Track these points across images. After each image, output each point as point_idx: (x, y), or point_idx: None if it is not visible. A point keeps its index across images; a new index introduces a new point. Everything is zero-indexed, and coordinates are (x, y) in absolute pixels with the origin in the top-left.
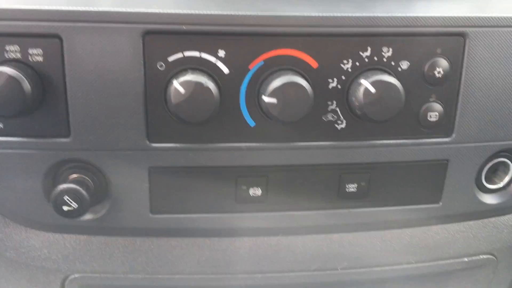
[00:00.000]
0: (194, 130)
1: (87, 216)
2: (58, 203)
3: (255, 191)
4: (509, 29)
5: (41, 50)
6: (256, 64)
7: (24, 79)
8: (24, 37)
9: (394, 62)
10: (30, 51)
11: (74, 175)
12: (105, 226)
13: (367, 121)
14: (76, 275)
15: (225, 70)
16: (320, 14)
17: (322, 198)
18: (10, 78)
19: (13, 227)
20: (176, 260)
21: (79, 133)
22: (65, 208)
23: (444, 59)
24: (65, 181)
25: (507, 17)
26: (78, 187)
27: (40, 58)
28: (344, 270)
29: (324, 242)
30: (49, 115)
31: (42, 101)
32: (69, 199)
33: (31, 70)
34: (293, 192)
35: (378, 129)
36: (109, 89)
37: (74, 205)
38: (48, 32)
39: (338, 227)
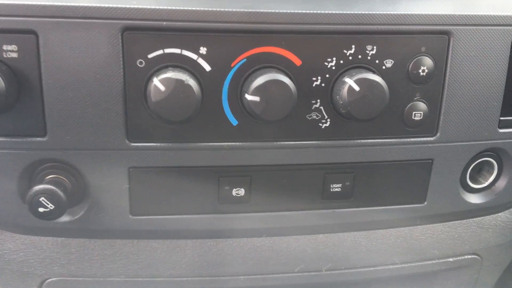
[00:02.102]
0: (175, 129)
1: (65, 218)
2: (33, 205)
3: (238, 192)
4: (493, 27)
5: (16, 46)
6: (238, 62)
7: None
8: None
9: (378, 60)
10: (5, 47)
11: (51, 176)
12: (84, 228)
13: (351, 120)
14: (54, 279)
15: (207, 67)
16: (304, 11)
17: (306, 198)
18: None
19: None
20: (157, 263)
21: (56, 132)
22: (41, 209)
23: (429, 57)
24: (42, 181)
25: (491, 16)
26: (54, 188)
27: (15, 55)
28: (328, 271)
29: (309, 243)
30: (24, 113)
31: (17, 99)
32: (45, 200)
33: (6, 67)
34: (277, 192)
35: (363, 128)
36: (87, 86)
37: (51, 206)
38: (23, 28)
39: (323, 228)
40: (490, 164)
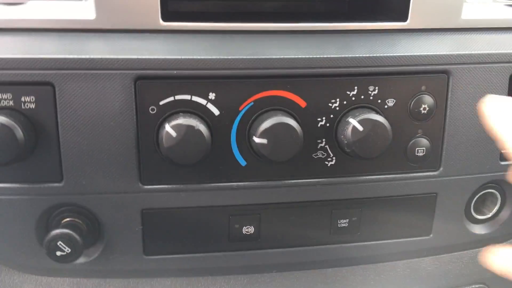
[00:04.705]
0: (186, 171)
1: (80, 260)
2: (51, 249)
3: (248, 229)
4: (491, 65)
5: (33, 98)
6: (246, 106)
7: (17, 126)
8: (16, 85)
9: (380, 100)
10: (23, 98)
11: (67, 219)
12: (99, 269)
13: (356, 158)
14: None
15: (216, 112)
16: (307, 56)
17: (315, 234)
18: (3, 126)
19: (5, 271)
20: None
21: (72, 177)
22: (59, 253)
23: (429, 95)
24: (58, 225)
25: (488, 54)
26: (71, 232)
27: (32, 105)
28: None
29: (318, 278)
30: (41, 160)
31: (35, 147)
32: (62, 244)
33: (24, 117)
34: (286, 229)
35: (367, 165)
36: (102, 134)
37: (67, 249)
38: (41, 80)
39: (332, 262)
40: (493, 195)
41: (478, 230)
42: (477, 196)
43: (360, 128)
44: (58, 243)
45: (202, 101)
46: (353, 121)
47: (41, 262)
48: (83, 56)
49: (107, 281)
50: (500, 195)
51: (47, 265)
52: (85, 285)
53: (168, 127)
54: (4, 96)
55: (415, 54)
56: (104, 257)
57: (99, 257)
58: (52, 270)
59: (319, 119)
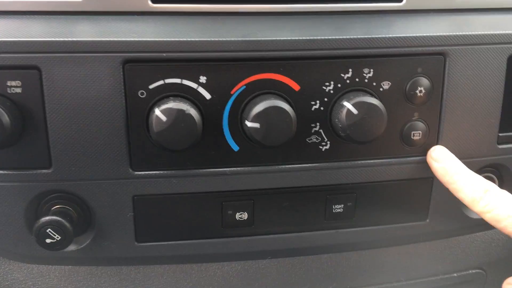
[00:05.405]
0: (177, 156)
1: (71, 247)
2: (40, 236)
3: (242, 215)
4: (488, 46)
5: (19, 82)
6: (238, 89)
7: (3, 111)
8: (2, 69)
9: (375, 83)
10: (9, 83)
11: (57, 206)
12: (90, 256)
13: (351, 142)
14: None
15: (207, 96)
16: (300, 38)
17: (309, 220)
18: None
19: None
20: None
21: (61, 164)
22: (48, 240)
23: (425, 78)
24: (48, 212)
25: (486, 34)
26: (60, 219)
27: (18, 90)
28: None
29: (313, 264)
30: (29, 146)
31: (22, 133)
32: (51, 231)
33: (10, 102)
34: (280, 215)
35: (363, 149)
36: (90, 118)
37: (57, 237)
38: (27, 64)
39: (326, 248)
40: (491, 179)
41: (475, 214)
42: None
43: (354, 111)
44: (47, 230)
45: (193, 85)
46: (348, 105)
47: (31, 250)
48: (70, 39)
49: (99, 268)
50: (497, 179)
51: (37, 253)
52: (76, 273)
53: (158, 112)
54: None
55: (411, 35)
56: (95, 244)
57: (90, 244)
58: (42, 258)
59: (313, 102)
